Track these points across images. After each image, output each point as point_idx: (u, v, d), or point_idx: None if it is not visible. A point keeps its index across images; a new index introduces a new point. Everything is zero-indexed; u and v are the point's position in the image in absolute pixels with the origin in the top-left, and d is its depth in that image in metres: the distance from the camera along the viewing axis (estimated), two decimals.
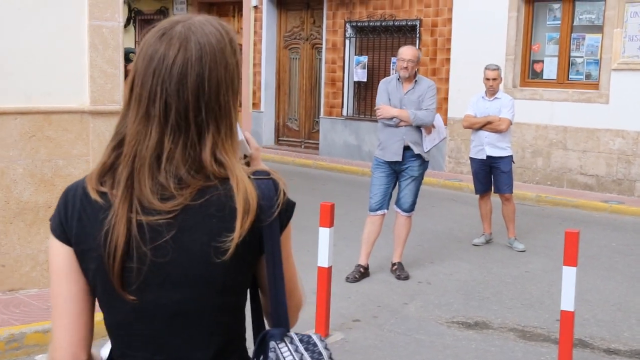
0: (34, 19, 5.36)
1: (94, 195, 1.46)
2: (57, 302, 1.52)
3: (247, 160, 1.62)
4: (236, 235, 1.44)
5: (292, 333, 1.55)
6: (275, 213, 1.49)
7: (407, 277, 6.63)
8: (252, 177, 1.48)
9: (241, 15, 15.53)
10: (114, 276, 1.44)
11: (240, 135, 1.57)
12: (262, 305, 1.62)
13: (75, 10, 5.49)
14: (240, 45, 15.70)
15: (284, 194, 1.52)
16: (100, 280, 1.48)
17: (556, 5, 11.50)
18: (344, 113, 14.13)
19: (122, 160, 1.45)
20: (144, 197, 1.43)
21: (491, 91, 7.71)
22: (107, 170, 1.48)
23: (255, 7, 15.21)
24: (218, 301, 1.49)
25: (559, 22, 11.47)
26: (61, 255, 1.50)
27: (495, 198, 8.01)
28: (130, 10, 17.03)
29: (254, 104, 15.46)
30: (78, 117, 5.58)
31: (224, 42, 1.49)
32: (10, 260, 5.50)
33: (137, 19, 17.64)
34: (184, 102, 1.44)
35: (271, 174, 1.52)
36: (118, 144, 1.48)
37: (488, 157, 7.67)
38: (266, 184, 1.50)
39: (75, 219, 1.48)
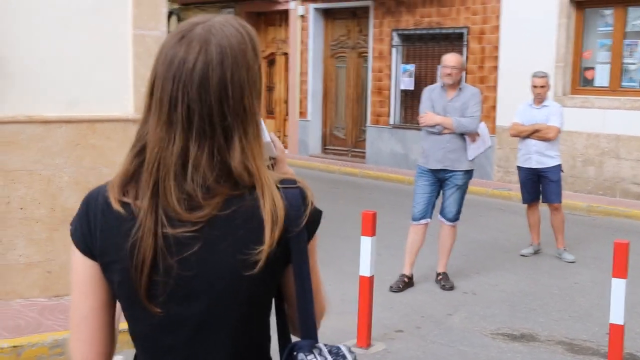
0: (78, 27, 5.44)
1: (116, 206, 1.41)
2: (76, 315, 1.49)
3: (273, 162, 1.58)
4: (266, 247, 1.39)
5: (320, 344, 1.50)
6: (302, 223, 1.44)
7: (451, 288, 6.52)
8: (279, 186, 1.44)
9: (288, 24, 15.59)
10: (141, 289, 1.41)
11: (267, 137, 1.53)
12: (287, 315, 1.57)
13: (120, 20, 5.56)
14: (287, 54, 15.77)
15: (312, 203, 1.47)
16: (125, 292, 1.44)
17: (608, 12, 11.24)
18: (391, 122, 14.04)
19: (146, 168, 1.40)
20: (169, 207, 1.38)
21: (539, 99, 7.56)
22: (130, 179, 1.43)
23: (302, 16, 15.25)
24: (243, 313, 1.45)
25: (611, 28, 11.21)
26: (84, 269, 1.47)
27: (543, 208, 7.84)
28: (179, 21, 17.24)
29: (300, 113, 15.49)
30: (121, 125, 5.64)
31: (245, 44, 1.44)
32: (56, 267, 5.57)
33: None
34: (207, 107, 1.39)
35: (298, 183, 1.48)
36: (140, 151, 1.43)
37: (536, 167, 7.51)
38: (293, 193, 1.45)
39: (99, 230, 1.44)
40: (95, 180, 5.57)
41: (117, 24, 5.54)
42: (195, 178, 1.38)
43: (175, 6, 16.91)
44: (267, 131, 1.53)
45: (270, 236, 1.39)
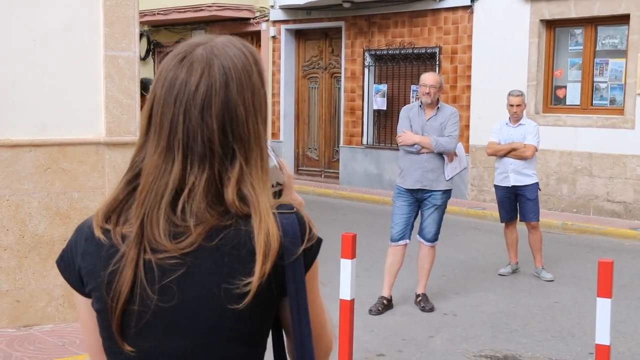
0: (48, 48, 5.30)
1: (97, 233, 1.35)
2: (89, 351, 1.45)
3: (280, 188, 1.47)
4: (255, 279, 1.29)
5: None
6: (299, 252, 1.34)
7: (432, 309, 6.43)
8: (275, 211, 1.34)
9: (260, 45, 15.54)
10: (114, 320, 1.32)
11: (273, 161, 1.44)
12: (287, 350, 1.47)
13: (91, 41, 5.43)
14: None
15: (310, 230, 1.37)
16: (102, 322, 1.36)
17: (578, 31, 11.35)
18: (364, 142, 14.01)
19: (138, 197, 1.32)
20: (154, 237, 1.30)
21: (515, 117, 7.55)
22: (118, 205, 1.36)
23: (274, 37, 15.22)
24: (228, 351, 1.34)
25: (581, 47, 11.31)
26: (82, 307, 1.41)
27: (520, 226, 7.80)
28: (149, 43, 17.11)
29: (273, 134, 15.41)
30: (93, 148, 5.49)
31: (250, 65, 1.36)
32: (25, 295, 5.38)
33: (156, 50, 17.72)
34: (208, 132, 1.31)
35: (295, 208, 1.38)
36: (133, 177, 1.36)
37: (513, 185, 7.49)
38: (290, 219, 1.35)
39: (80, 259, 1.37)
40: (66, 206, 5.42)
41: (89, 44, 5.41)
42: (186, 207, 1.30)
43: (146, 28, 16.77)
44: (274, 156, 1.43)
45: (261, 267, 1.29)
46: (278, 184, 1.46)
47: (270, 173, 1.42)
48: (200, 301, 1.30)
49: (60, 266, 1.42)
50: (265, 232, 1.29)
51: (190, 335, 1.32)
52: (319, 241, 1.40)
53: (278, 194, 1.45)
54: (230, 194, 1.30)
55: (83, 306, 1.40)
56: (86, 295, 1.38)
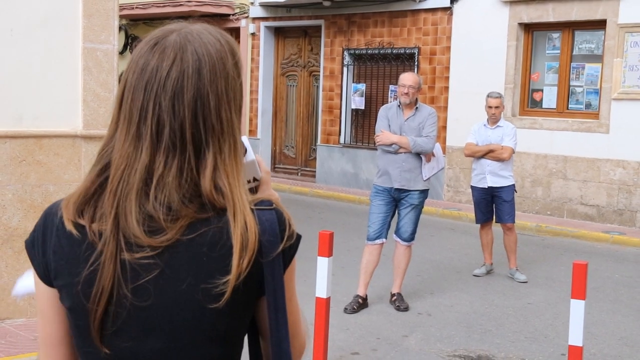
0: (26, 40, 5.23)
1: (69, 227, 1.29)
2: (43, 345, 1.38)
3: (257, 184, 1.43)
4: (232, 277, 1.25)
5: None
6: (278, 249, 1.31)
7: (406, 309, 6.45)
8: (253, 207, 1.30)
9: (239, 42, 15.48)
10: (94, 322, 1.27)
11: (252, 156, 1.40)
12: (262, 351, 1.43)
13: (69, 33, 5.37)
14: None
15: (289, 227, 1.34)
16: (75, 321, 1.31)
17: (555, 35, 11.44)
18: (342, 141, 14.01)
19: (109, 188, 1.27)
20: (129, 231, 1.25)
21: (493, 119, 7.60)
22: (89, 199, 1.30)
23: (253, 34, 15.17)
24: (206, 351, 1.31)
25: (559, 51, 11.41)
26: (44, 295, 1.35)
27: (495, 228, 7.86)
28: (127, 37, 16.97)
29: (250, 131, 15.35)
30: (70, 141, 5.43)
31: (224, 52, 1.33)
32: None
33: (133, 45, 17.58)
34: (179, 120, 1.27)
35: (274, 204, 1.34)
36: (103, 169, 1.31)
37: (490, 186, 7.53)
38: (269, 215, 1.31)
39: (51, 252, 1.31)
40: (41, 199, 5.36)
41: (67, 36, 5.35)
42: (158, 197, 1.26)
43: (124, 21, 16.63)
44: (252, 151, 1.41)
45: (237, 265, 1.25)
46: (255, 179, 1.43)
47: (248, 168, 1.39)
48: (178, 301, 1.27)
49: (29, 252, 1.36)
50: (242, 225, 1.26)
51: (167, 336, 1.28)
52: (299, 239, 1.36)
53: (255, 190, 1.41)
54: (207, 184, 1.27)
55: (45, 295, 1.34)
56: (52, 286, 1.33)
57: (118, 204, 1.26)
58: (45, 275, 1.33)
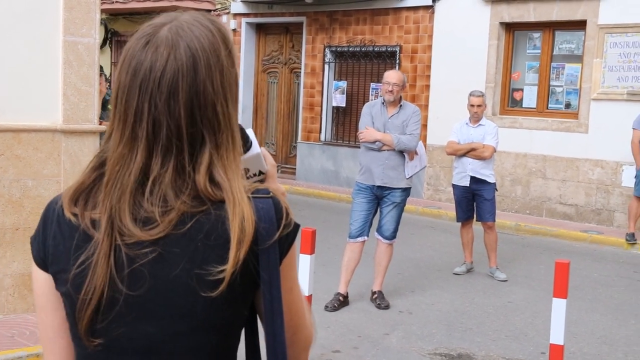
0: (5, 32, 5.15)
1: (67, 214, 1.30)
2: (43, 335, 1.39)
3: (263, 177, 1.43)
4: (229, 267, 1.24)
5: None
6: (274, 238, 1.29)
7: (387, 307, 6.45)
8: (251, 196, 1.29)
9: None
10: (87, 312, 1.27)
11: (257, 149, 1.39)
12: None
13: (50, 26, 5.29)
14: None
15: (287, 215, 1.32)
16: (70, 305, 1.31)
17: (536, 34, 11.50)
18: (322, 138, 14.00)
19: (104, 187, 1.28)
20: (124, 228, 1.26)
21: (475, 118, 7.61)
22: (84, 190, 1.31)
23: (234, 30, 15.10)
24: (200, 340, 1.29)
25: (539, 51, 11.47)
26: (41, 283, 1.35)
27: (475, 226, 7.88)
28: (107, 31, 16.83)
29: None
30: (50, 135, 5.36)
31: (217, 43, 1.31)
32: None
33: (113, 39, 17.45)
34: (175, 119, 1.26)
35: (271, 193, 1.33)
36: (99, 165, 1.32)
37: (471, 184, 7.55)
38: (266, 204, 1.30)
39: (51, 238, 1.32)
40: (19, 194, 5.29)
41: (47, 29, 5.27)
42: (154, 195, 1.26)
43: (104, 16, 16.48)
44: (257, 143, 1.39)
45: (235, 254, 1.24)
46: (261, 172, 1.42)
47: (254, 161, 1.39)
48: (171, 287, 1.26)
49: (31, 243, 1.37)
50: (240, 217, 1.25)
51: (160, 322, 1.27)
52: (296, 227, 1.35)
53: (261, 183, 1.41)
54: (202, 180, 1.26)
55: (41, 283, 1.35)
56: (48, 272, 1.33)
57: (112, 204, 1.26)
58: (42, 261, 1.34)
